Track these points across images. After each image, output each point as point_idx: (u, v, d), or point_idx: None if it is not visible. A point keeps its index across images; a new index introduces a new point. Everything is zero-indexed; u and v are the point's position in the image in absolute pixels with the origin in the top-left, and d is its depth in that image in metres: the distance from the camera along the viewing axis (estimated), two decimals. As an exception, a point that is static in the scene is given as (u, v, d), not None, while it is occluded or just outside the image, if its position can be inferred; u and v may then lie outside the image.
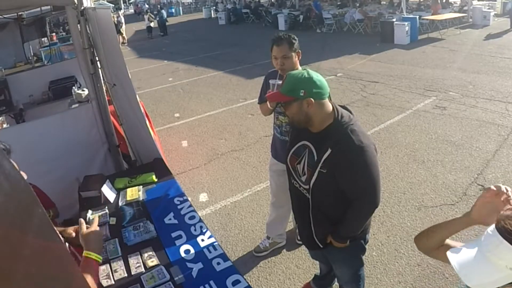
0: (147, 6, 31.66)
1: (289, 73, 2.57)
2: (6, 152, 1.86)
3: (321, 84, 2.46)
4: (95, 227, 2.35)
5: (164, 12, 27.37)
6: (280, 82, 3.33)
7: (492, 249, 1.26)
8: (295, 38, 3.49)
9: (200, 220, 3.34)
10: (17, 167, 1.91)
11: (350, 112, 2.64)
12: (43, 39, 11.16)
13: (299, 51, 3.52)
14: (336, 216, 2.70)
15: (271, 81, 3.44)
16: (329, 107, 2.53)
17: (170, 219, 3.39)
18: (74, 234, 2.34)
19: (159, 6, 33.50)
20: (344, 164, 2.44)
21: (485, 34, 16.86)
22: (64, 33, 15.55)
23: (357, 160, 2.44)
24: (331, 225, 2.75)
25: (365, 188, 2.52)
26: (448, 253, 1.40)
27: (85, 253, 2.16)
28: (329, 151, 2.45)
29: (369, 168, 2.46)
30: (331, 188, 2.57)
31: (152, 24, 26.33)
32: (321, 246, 2.87)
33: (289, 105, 2.52)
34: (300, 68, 3.48)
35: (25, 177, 2.01)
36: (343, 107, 2.66)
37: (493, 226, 1.30)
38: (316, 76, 2.46)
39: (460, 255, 1.37)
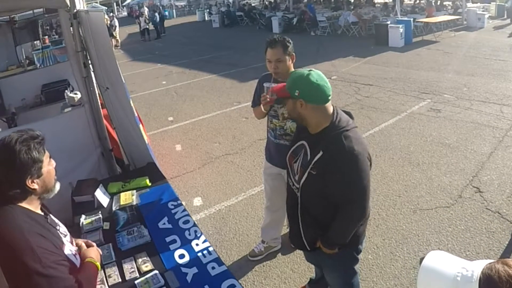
0: (146, 9, 31.50)
1: (294, 70, 2.62)
2: (41, 139, 2.13)
3: (320, 88, 2.44)
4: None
5: (157, 15, 27.33)
6: (275, 85, 3.32)
7: None
8: (290, 41, 3.47)
9: (195, 225, 3.33)
10: (48, 155, 2.19)
11: (351, 118, 2.62)
12: (35, 42, 11.12)
13: (293, 54, 3.50)
14: (324, 220, 2.68)
15: (265, 84, 3.41)
16: (327, 111, 2.51)
17: (164, 223, 3.37)
18: (84, 246, 2.47)
19: (155, 9, 33.40)
20: (333, 168, 2.43)
21: (479, 37, 16.97)
22: (56, 36, 15.54)
23: (345, 165, 2.42)
24: (319, 229, 2.73)
25: (352, 195, 2.49)
26: (431, 253, 1.40)
27: (88, 259, 2.31)
28: (320, 153, 2.45)
29: (358, 175, 2.43)
30: (319, 190, 2.56)
31: (148, 26, 26.27)
32: (309, 249, 2.86)
33: (286, 101, 2.60)
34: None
35: (54, 164, 2.23)
36: (347, 112, 2.66)
37: (479, 272, 1.22)
38: (317, 80, 2.44)
39: (436, 265, 1.36)
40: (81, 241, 2.49)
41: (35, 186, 2.06)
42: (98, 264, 2.35)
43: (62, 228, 2.31)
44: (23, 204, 2.06)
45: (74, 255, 2.22)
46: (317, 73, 2.49)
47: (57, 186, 2.25)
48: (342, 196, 2.52)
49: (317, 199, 2.63)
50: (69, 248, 2.18)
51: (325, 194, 2.55)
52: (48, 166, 2.15)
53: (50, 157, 2.20)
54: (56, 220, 2.31)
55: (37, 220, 2.05)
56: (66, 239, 2.24)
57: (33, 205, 2.11)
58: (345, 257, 2.88)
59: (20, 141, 2.02)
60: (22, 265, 1.84)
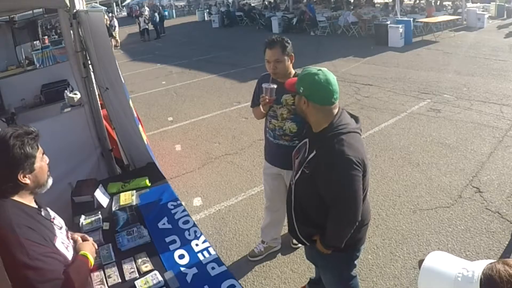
0: (147, 8, 31.49)
1: (308, 66, 2.65)
2: (35, 135, 2.16)
3: (323, 89, 2.45)
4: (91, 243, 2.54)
5: (157, 15, 27.30)
6: (274, 86, 3.32)
7: None
8: (288, 41, 3.46)
9: (194, 225, 3.32)
10: (42, 151, 2.21)
11: (357, 122, 2.62)
12: (35, 42, 11.12)
13: (292, 54, 3.48)
14: (317, 220, 2.68)
15: (264, 85, 3.40)
16: (330, 112, 2.51)
17: (164, 223, 3.36)
18: (80, 240, 2.50)
19: (154, 9, 33.36)
20: (321, 169, 2.44)
21: (479, 37, 16.96)
22: (56, 36, 15.53)
23: (333, 167, 2.41)
24: (312, 227, 2.75)
25: (339, 198, 2.48)
26: (432, 254, 1.40)
27: (81, 252, 2.33)
28: (313, 153, 2.49)
29: (345, 179, 2.41)
30: (309, 189, 2.58)
31: (148, 26, 26.22)
32: (307, 243, 2.89)
33: (296, 94, 2.68)
34: (293, 72, 3.48)
35: (47, 160, 2.25)
36: (354, 116, 2.65)
37: (480, 273, 1.22)
38: (323, 80, 2.45)
39: (437, 266, 1.37)
40: (77, 235, 2.52)
41: (27, 181, 2.09)
42: (91, 258, 2.36)
43: (57, 220, 2.34)
44: (16, 198, 2.09)
45: (67, 247, 2.23)
46: (325, 74, 2.48)
47: (50, 181, 2.28)
48: (330, 198, 2.52)
49: (309, 198, 2.64)
50: (61, 241, 2.19)
51: (316, 194, 2.55)
52: (41, 162, 2.18)
53: (43, 153, 2.23)
54: (52, 213, 2.34)
55: (28, 213, 2.08)
56: (60, 231, 2.26)
57: (26, 199, 2.14)
58: (339, 260, 2.88)
59: (14, 136, 2.06)
60: (10, 257, 1.86)
